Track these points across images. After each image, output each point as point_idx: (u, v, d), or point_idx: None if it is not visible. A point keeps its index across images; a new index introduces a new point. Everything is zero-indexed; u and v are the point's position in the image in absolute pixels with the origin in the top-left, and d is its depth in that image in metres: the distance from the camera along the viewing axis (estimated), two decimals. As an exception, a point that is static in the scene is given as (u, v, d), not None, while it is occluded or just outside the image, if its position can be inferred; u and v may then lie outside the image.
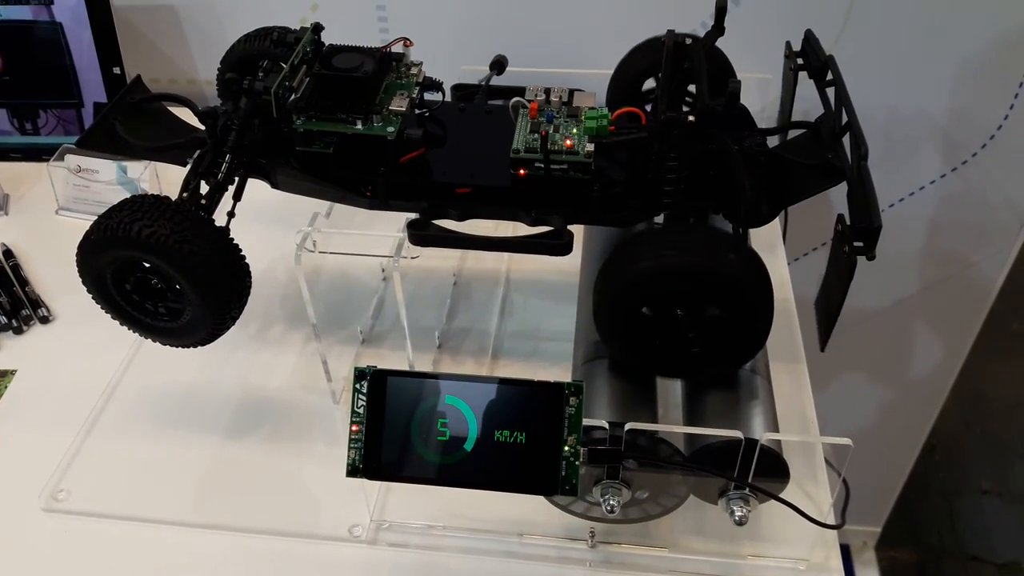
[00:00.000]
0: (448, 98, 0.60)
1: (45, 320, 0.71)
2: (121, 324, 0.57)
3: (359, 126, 0.53)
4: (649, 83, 0.66)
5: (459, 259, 0.73)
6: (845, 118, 0.51)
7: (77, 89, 0.85)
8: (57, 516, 0.57)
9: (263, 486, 0.59)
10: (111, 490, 0.58)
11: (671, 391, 0.59)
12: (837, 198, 0.51)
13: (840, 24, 0.79)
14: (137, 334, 0.57)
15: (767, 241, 0.71)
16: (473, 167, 0.55)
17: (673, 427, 0.48)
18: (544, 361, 0.65)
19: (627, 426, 0.47)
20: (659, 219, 0.56)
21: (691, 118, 0.49)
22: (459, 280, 0.72)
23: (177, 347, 0.57)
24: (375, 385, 0.46)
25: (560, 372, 0.62)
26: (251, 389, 0.65)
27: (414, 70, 0.58)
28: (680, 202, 0.53)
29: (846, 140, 0.51)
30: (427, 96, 0.58)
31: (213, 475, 0.60)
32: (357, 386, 0.46)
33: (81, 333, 0.69)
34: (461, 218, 0.55)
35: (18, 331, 0.70)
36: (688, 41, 0.56)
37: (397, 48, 0.58)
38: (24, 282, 0.74)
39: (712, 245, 0.50)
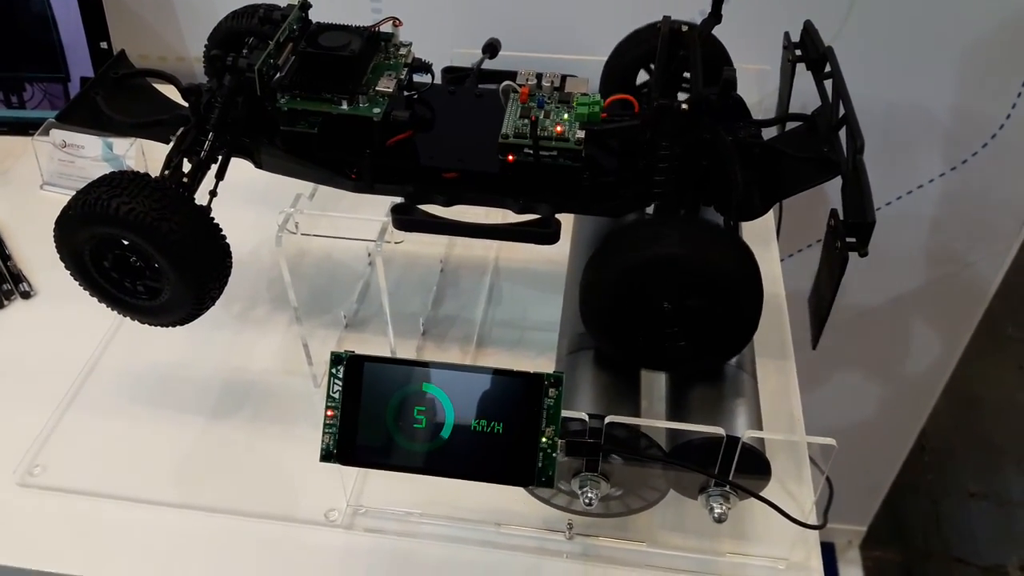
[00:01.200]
0: (438, 81, 0.59)
1: (27, 295, 0.70)
2: (100, 302, 0.56)
3: (344, 106, 0.52)
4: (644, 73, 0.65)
5: (446, 245, 0.72)
6: (842, 111, 0.50)
7: (63, 63, 0.84)
8: (32, 491, 0.56)
9: (242, 468, 0.58)
10: (88, 467, 0.58)
11: (656, 384, 0.58)
12: (836, 195, 0.50)
13: (842, 16, 0.78)
14: (116, 312, 0.56)
15: (760, 235, 0.70)
16: (461, 152, 0.54)
17: (654, 422, 0.47)
18: (529, 351, 0.64)
19: (607, 419, 0.46)
20: (650, 209, 0.55)
21: (684, 107, 0.48)
22: (446, 267, 0.71)
23: (155, 326, 0.56)
24: (351, 370, 0.45)
25: (545, 362, 0.61)
26: (233, 370, 0.64)
27: (403, 51, 0.57)
28: (671, 193, 0.52)
29: (843, 134, 0.50)
30: (416, 78, 0.57)
31: (192, 455, 0.59)
32: (333, 371, 0.45)
33: (63, 309, 0.68)
34: (448, 203, 0.54)
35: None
36: (685, 28, 0.55)
37: (386, 28, 0.56)
38: (6, 257, 0.73)
39: (702, 238, 0.49)
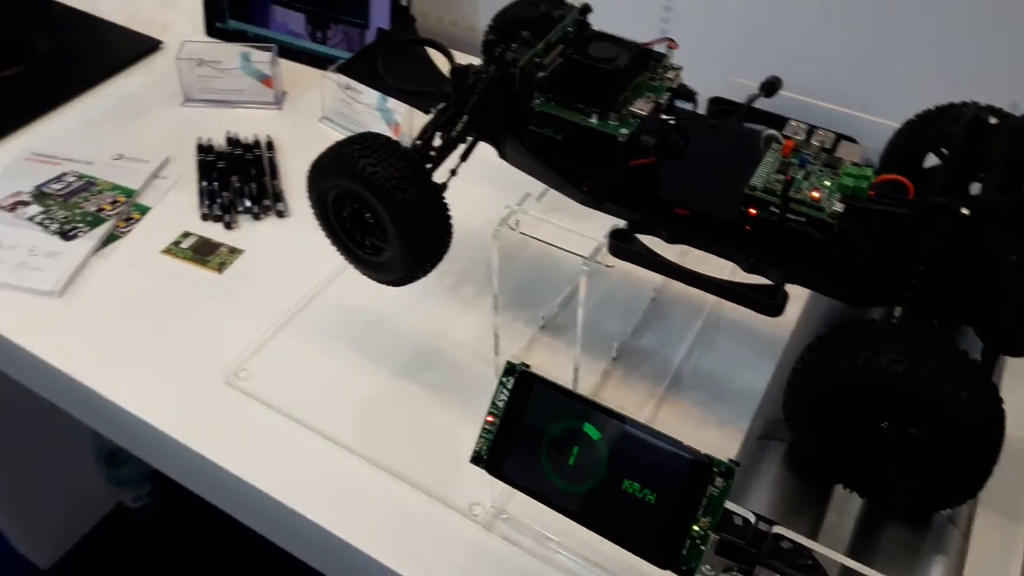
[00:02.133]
0: (703, 110, 0.56)
1: (281, 214, 0.77)
2: (331, 244, 0.60)
3: (594, 120, 0.51)
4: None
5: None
6: None
7: (366, 11, 0.89)
8: (233, 393, 0.62)
9: (412, 429, 0.60)
10: (284, 386, 0.62)
11: (848, 499, 0.51)
12: None
13: None
14: (339, 252, 0.59)
15: (1026, 363, 0.60)
16: (701, 190, 0.51)
17: (829, 552, 0.42)
18: (719, 414, 0.60)
19: (775, 528, 0.41)
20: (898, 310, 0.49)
21: (965, 211, 0.41)
22: (659, 297, 0.68)
23: (371, 280, 0.59)
24: (521, 385, 0.44)
25: (731, 433, 0.56)
26: (431, 335, 0.66)
27: (671, 74, 0.54)
28: (926, 300, 0.45)
29: None
30: (679, 104, 0.54)
31: (373, 402, 0.62)
32: (503, 380, 0.45)
33: (307, 236, 0.73)
34: (671, 240, 0.51)
35: (256, 217, 0.77)
36: (993, 120, 0.47)
37: (660, 47, 0.54)
38: (274, 174, 0.80)
39: (948, 364, 0.41)
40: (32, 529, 1.31)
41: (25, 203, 0.78)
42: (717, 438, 0.57)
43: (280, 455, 0.58)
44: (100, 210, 0.77)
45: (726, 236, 0.50)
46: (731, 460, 0.40)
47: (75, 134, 0.85)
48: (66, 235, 0.74)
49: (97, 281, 0.71)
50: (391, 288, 0.59)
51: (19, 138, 0.85)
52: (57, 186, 0.79)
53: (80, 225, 0.75)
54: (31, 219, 0.76)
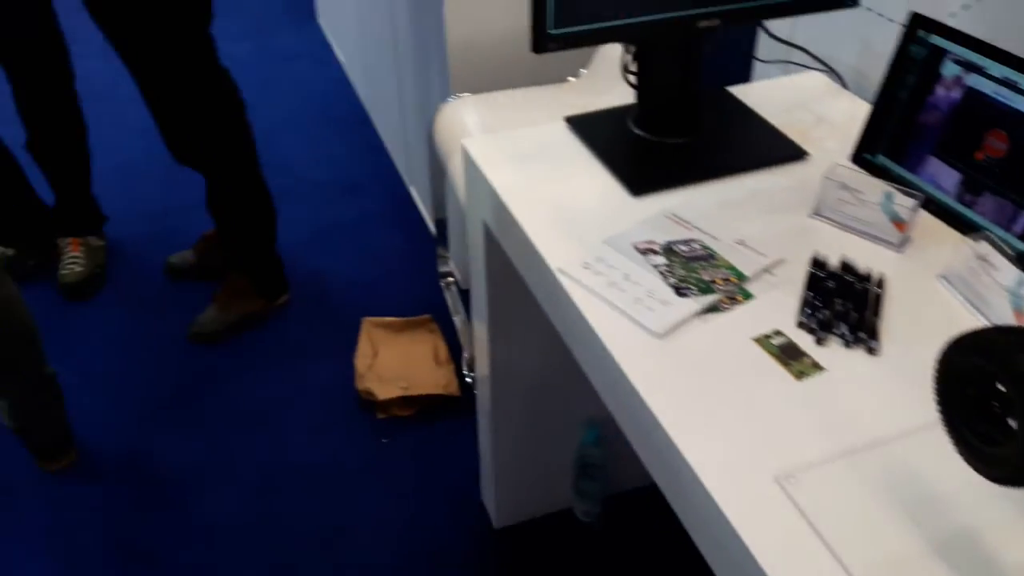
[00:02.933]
0: None
1: (872, 351, 0.80)
2: (938, 409, 0.61)
3: None
4: None
5: None
6: None
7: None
8: (777, 489, 0.68)
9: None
10: (824, 505, 0.66)
11: None
12: None
13: None
14: (945, 427, 0.61)
15: None
16: None
17: None
18: None
19: None
20: None
21: None
22: None
23: (968, 463, 0.59)
24: None
25: None
26: (987, 543, 0.64)
27: None
28: None
29: None
30: None
31: (895, 563, 0.62)
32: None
33: (891, 382, 0.76)
34: None
35: (847, 345, 0.81)
36: None
37: None
38: (877, 312, 0.84)
39: None
40: (504, 493, 1.54)
41: (655, 252, 0.93)
42: None
43: (793, 556, 0.63)
44: (713, 282, 0.89)
45: None
46: None
47: (710, 209, 0.99)
48: (679, 291, 0.88)
49: (691, 339, 0.82)
50: (971, 473, 0.59)
51: (668, 196, 1.02)
52: (684, 248, 0.94)
53: (692, 287, 0.88)
54: (655, 267, 0.91)
